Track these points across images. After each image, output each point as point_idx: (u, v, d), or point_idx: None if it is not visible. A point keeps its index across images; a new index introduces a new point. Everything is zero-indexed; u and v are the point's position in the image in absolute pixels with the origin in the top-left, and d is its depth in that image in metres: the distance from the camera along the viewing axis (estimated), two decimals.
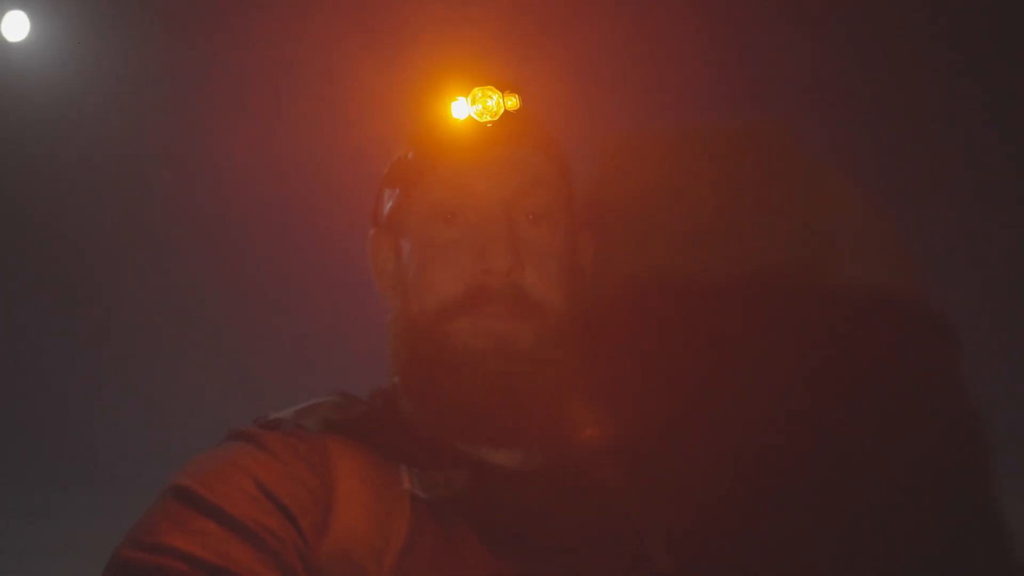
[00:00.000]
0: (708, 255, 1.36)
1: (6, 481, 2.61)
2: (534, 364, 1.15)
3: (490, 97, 1.15)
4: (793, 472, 1.24)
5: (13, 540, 2.55)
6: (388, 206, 1.26)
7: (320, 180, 2.10)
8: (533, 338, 1.16)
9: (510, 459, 1.18)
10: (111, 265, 2.58)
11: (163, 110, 2.56)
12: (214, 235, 2.46)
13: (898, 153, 1.75)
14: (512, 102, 1.17)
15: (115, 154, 2.58)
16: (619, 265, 1.35)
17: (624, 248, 1.36)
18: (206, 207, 2.46)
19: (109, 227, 2.59)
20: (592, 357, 1.19)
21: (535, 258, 1.17)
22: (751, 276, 1.33)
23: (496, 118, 1.17)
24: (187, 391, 2.44)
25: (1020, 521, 1.34)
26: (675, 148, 1.46)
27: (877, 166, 1.68)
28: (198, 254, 2.48)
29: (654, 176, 1.41)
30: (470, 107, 1.16)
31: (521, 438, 1.18)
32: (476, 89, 1.16)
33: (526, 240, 1.17)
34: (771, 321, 1.29)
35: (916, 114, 1.78)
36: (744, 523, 1.19)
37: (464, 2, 1.60)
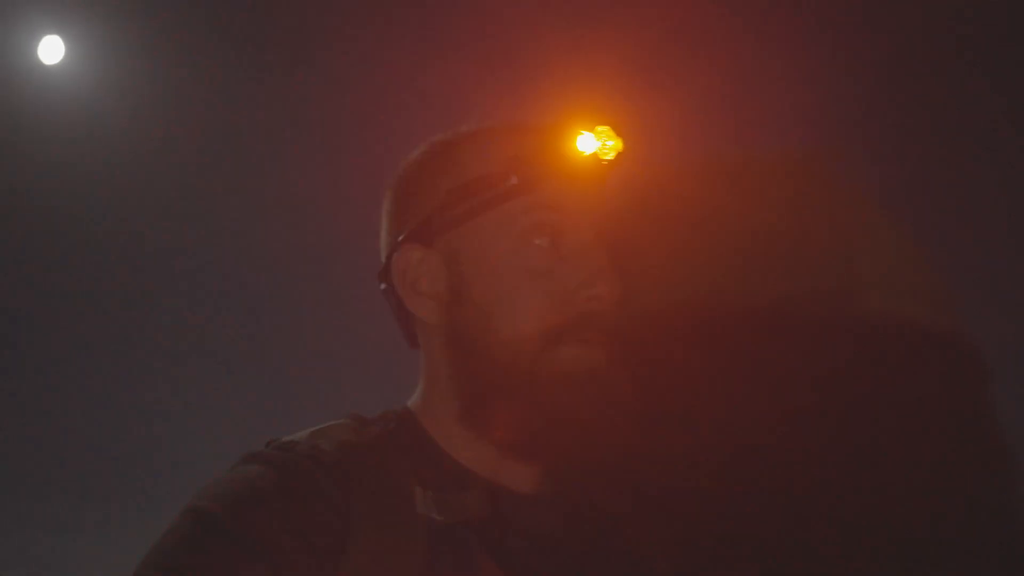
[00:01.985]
0: (740, 282, 1.34)
1: (27, 495, 2.61)
2: (611, 391, 1.17)
3: (612, 138, 1.25)
4: (814, 504, 1.22)
5: (33, 555, 2.53)
6: (443, 220, 1.22)
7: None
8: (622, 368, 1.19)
9: (525, 485, 1.19)
10: (142, 283, 2.60)
11: (195, 131, 2.61)
12: (242, 256, 2.49)
13: (936, 184, 1.84)
14: (620, 143, 1.26)
15: (147, 174, 2.64)
16: (652, 291, 1.33)
17: (656, 273, 1.34)
18: (236, 228, 2.52)
19: (142, 246, 2.63)
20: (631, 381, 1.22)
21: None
22: (783, 304, 1.32)
23: (610, 157, 1.25)
24: (208, 410, 2.45)
25: None
26: (711, 174, 1.42)
27: (914, 196, 1.77)
28: (228, 275, 2.51)
29: (688, 201, 1.40)
30: (595, 143, 1.25)
31: (572, 467, 1.18)
32: (600, 127, 1.26)
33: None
34: (800, 350, 1.28)
35: (955, 146, 1.88)
36: (762, 555, 1.19)
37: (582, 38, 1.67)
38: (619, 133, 1.29)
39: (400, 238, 1.21)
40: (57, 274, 2.68)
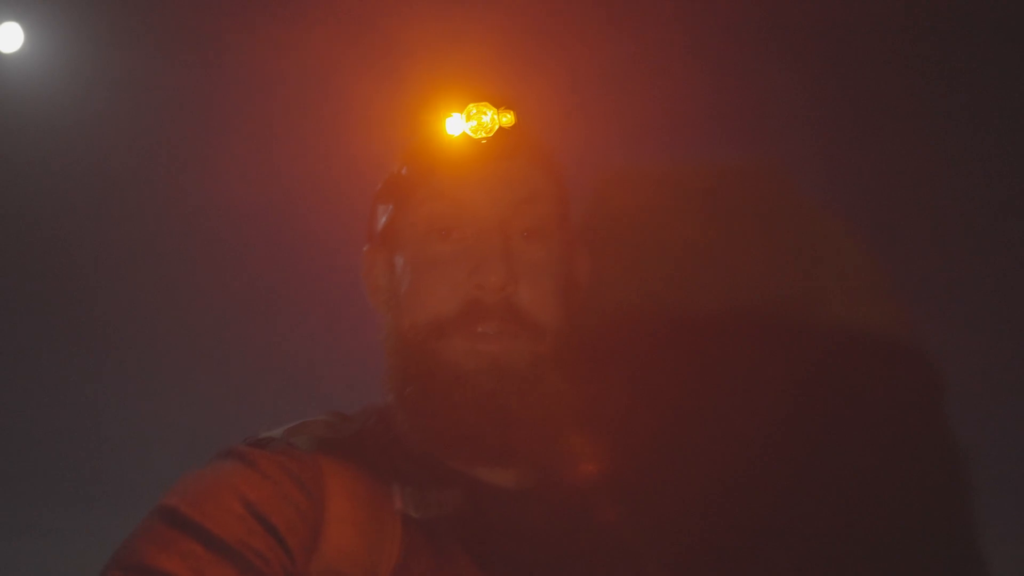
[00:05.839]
0: (702, 284, 1.37)
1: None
2: (527, 384, 1.14)
3: (485, 113, 1.15)
4: (784, 494, 1.24)
5: (7, 562, 2.53)
6: (382, 222, 1.26)
7: (315, 195, 2.09)
8: (527, 357, 1.15)
9: (504, 479, 1.18)
10: (106, 278, 2.56)
11: (158, 122, 2.54)
12: (209, 249, 2.45)
13: (888, 192, 1.76)
14: (507, 118, 1.17)
15: (109, 166, 2.56)
16: (613, 290, 1.35)
17: (618, 274, 1.36)
18: (201, 221, 2.45)
19: (103, 240, 2.57)
20: (587, 376, 1.19)
21: (530, 274, 1.16)
22: (744, 307, 1.34)
23: (491, 134, 1.16)
24: (178, 409, 2.42)
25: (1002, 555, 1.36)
26: (671, 179, 1.48)
27: (866, 205, 1.70)
28: (192, 269, 2.47)
29: (649, 206, 1.43)
30: (465, 123, 1.16)
31: (514, 458, 1.17)
32: (471, 105, 1.16)
33: (520, 256, 1.17)
34: (764, 352, 1.30)
35: (907, 153, 1.79)
36: (738, 543, 1.20)
37: (462, 18, 1.60)
38: (506, 108, 1.18)
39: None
40: (14, 274, 2.61)
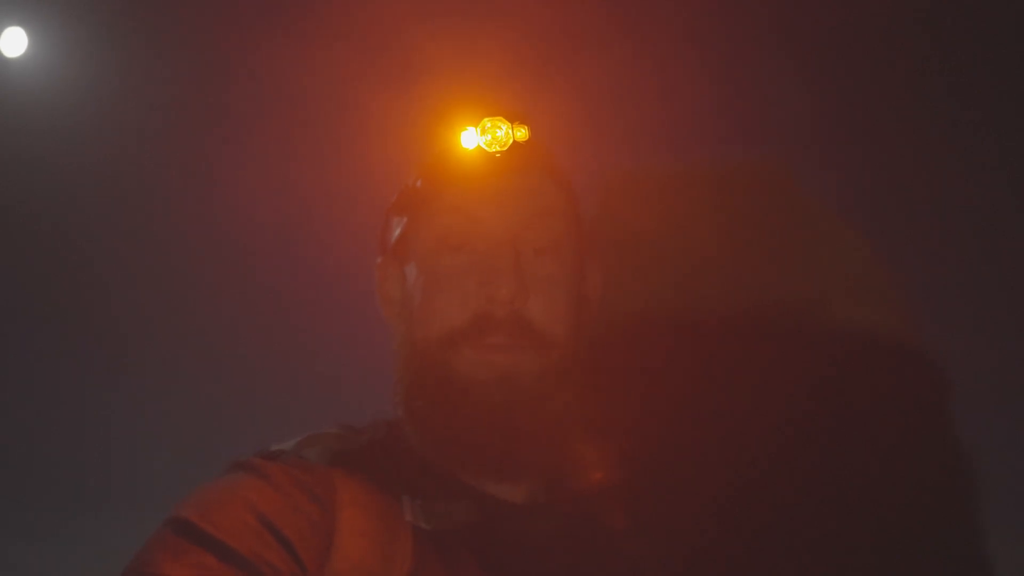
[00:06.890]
0: (709, 290, 1.36)
1: (9, 505, 2.59)
2: (536, 397, 1.14)
3: (499, 127, 1.16)
4: (795, 509, 1.24)
5: (15, 566, 2.53)
6: (396, 234, 1.26)
7: (330, 207, 2.09)
8: (536, 370, 1.15)
9: (513, 492, 1.18)
10: (113, 284, 2.56)
11: (162, 128, 2.54)
12: (221, 259, 2.44)
13: (895, 195, 1.77)
14: (521, 133, 1.17)
15: (113, 171, 2.57)
16: (620, 299, 1.35)
17: (626, 282, 1.36)
18: (213, 231, 2.45)
19: (107, 245, 2.58)
20: (596, 390, 1.19)
21: (540, 288, 1.16)
22: (752, 312, 1.34)
23: (505, 148, 1.17)
24: (189, 421, 2.42)
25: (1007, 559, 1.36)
26: (678, 184, 1.47)
27: (874, 206, 1.70)
28: (203, 278, 2.47)
29: (656, 211, 1.42)
30: (479, 137, 1.16)
31: (522, 471, 1.17)
32: (486, 119, 1.16)
33: (532, 271, 1.17)
34: (771, 358, 1.30)
35: (914, 155, 1.80)
36: (748, 556, 1.19)
37: (478, 34, 1.61)
38: (520, 123, 1.19)
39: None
40: (19, 279, 2.61)
